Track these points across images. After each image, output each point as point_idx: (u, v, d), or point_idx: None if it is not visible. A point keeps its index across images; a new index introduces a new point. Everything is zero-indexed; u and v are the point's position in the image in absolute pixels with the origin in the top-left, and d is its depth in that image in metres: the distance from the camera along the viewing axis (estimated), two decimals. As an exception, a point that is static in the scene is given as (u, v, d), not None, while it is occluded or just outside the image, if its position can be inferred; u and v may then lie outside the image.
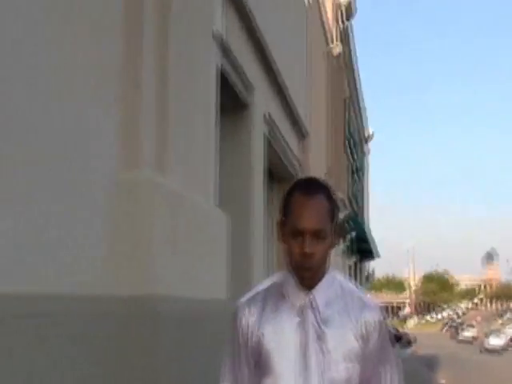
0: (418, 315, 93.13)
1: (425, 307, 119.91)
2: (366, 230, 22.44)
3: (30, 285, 1.98)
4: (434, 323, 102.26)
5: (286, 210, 2.06)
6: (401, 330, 48.48)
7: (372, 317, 2.12)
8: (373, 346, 2.11)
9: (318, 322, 2.08)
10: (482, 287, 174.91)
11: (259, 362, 2.05)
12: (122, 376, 2.41)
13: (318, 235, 2.02)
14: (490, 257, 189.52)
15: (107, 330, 2.38)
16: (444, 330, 74.79)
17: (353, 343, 2.08)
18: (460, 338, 53.12)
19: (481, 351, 40.59)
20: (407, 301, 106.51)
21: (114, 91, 2.60)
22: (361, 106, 26.66)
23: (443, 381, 19.02)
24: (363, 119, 28.54)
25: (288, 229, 2.04)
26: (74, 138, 2.30)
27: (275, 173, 11.35)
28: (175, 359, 2.65)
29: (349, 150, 21.79)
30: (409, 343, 43.68)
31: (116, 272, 2.46)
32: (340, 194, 15.06)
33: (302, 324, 2.07)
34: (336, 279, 2.17)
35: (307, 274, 2.05)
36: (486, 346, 41.98)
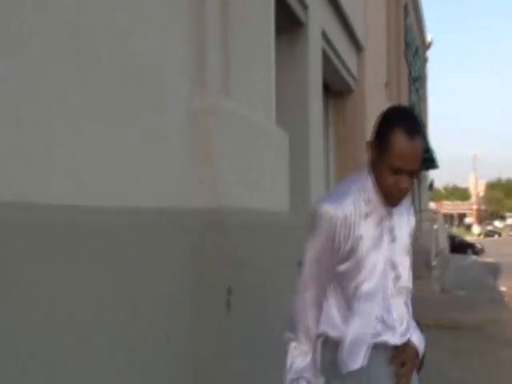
0: (480, 224, 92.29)
1: (488, 215, 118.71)
2: (426, 139, 22.18)
3: (117, 200, 2.29)
4: (500, 229, 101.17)
5: (385, 142, 2.17)
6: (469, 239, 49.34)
7: (414, 219, 2.46)
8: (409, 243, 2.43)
9: (390, 229, 2.30)
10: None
11: (348, 259, 2.25)
12: (198, 280, 2.76)
13: (412, 173, 2.20)
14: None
15: (185, 239, 2.71)
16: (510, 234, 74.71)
17: (408, 238, 2.40)
18: None
19: None
20: (470, 210, 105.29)
21: (184, 22, 2.83)
22: (420, 12, 25.77)
23: (504, 288, 19.21)
24: (423, 26, 27.63)
25: (386, 161, 2.18)
26: (156, 68, 2.57)
27: (331, 86, 11.38)
28: (247, 263, 2.98)
29: (409, 58, 21.32)
30: (481, 251, 44.21)
31: (191, 187, 2.77)
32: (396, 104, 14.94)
33: (382, 230, 2.29)
34: None
35: (396, 202, 2.26)
36: None
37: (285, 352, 2.31)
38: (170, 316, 2.57)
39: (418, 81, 24.89)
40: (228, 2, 3.09)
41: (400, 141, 2.15)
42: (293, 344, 2.31)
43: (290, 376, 2.27)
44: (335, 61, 10.33)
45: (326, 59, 9.42)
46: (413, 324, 2.38)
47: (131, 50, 2.39)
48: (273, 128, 3.72)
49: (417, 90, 24.54)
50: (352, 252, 2.23)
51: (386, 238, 2.29)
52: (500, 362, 7.98)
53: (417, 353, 2.32)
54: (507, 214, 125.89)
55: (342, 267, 2.25)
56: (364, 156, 9.04)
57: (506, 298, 16.03)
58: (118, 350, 2.19)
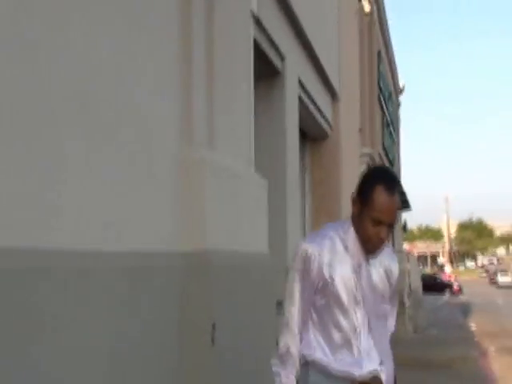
0: (452, 264, 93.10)
1: (460, 256, 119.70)
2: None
3: (108, 244, 2.50)
4: (471, 270, 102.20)
5: (367, 198, 2.43)
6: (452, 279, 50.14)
7: (394, 266, 2.62)
8: (391, 286, 2.61)
9: (368, 276, 2.50)
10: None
11: (323, 294, 2.46)
12: (184, 317, 2.97)
13: (391, 225, 2.45)
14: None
15: (172, 280, 2.93)
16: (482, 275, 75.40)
17: (385, 283, 2.55)
18: (500, 283, 55.54)
19: None
20: (442, 250, 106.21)
21: (172, 79, 3.09)
22: (392, 59, 26.49)
23: (474, 327, 19.50)
24: (395, 72, 28.36)
25: (368, 214, 2.42)
26: (146, 121, 2.82)
27: (307, 132, 11.72)
28: (230, 301, 3.20)
29: (382, 104, 21.85)
30: (459, 291, 44.83)
31: (176, 232, 2.99)
32: (368, 149, 15.23)
33: (359, 275, 2.48)
34: None
35: (374, 250, 2.49)
36: None
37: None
38: (158, 348, 2.78)
39: (391, 125, 25.43)
40: (212, 54, 3.37)
41: (380, 197, 2.40)
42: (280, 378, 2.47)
43: None
44: (311, 107, 10.69)
45: (302, 106, 9.76)
46: (386, 360, 2.54)
47: (123, 104, 2.63)
48: (253, 176, 3.99)
49: (390, 134, 25.06)
50: (325, 290, 2.45)
51: (364, 284, 2.49)
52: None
53: None
54: (478, 255, 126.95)
55: (319, 302, 2.48)
56: (339, 200, 9.50)
57: (475, 338, 16.32)
58: (112, 367, 2.39)
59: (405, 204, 25.34)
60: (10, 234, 1.90)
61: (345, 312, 2.47)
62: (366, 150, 15.05)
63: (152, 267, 2.78)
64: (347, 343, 2.48)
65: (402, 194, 22.31)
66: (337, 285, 2.45)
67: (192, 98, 3.14)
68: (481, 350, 13.52)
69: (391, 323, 2.74)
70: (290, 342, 2.49)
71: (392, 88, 26.63)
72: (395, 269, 2.63)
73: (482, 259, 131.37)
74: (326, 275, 2.44)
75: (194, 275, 2.98)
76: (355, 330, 2.48)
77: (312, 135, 12.03)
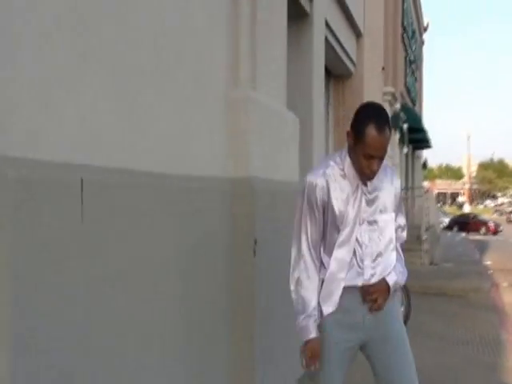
0: (471, 203, 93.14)
1: (480, 195, 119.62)
2: (419, 120, 22.76)
3: (174, 169, 2.99)
4: (490, 209, 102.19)
5: (360, 135, 2.56)
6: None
7: (396, 182, 2.82)
8: (395, 201, 2.81)
9: (366, 194, 2.70)
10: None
11: (328, 217, 2.69)
12: (231, 233, 3.50)
13: (382, 158, 2.60)
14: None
15: (222, 202, 3.46)
16: (496, 215, 75.63)
17: (386, 199, 2.76)
18: None
19: None
20: (463, 189, 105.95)
21: (222, 28, 3.53)
22: (418, -4, 26.18)
23: (489, 262, 20.03)
24: (420, 10, 28.06)
25: (360, 149, 2.58)
26: (200, 68, 3.28)
27: (332, 71, 12.01)
28: (267, 220, 3.73)
29: (406, 42, 21.83)
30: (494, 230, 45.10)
31: (225, 161, 3.49)
32: (390, 88, 15.41)
33: (356, 194, 2.69)
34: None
35: (367, 180, 2.68)
36: None
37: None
38: (212, 257, 3.32)
39: (414, 63, 25.36)
40: (255, 11, 3.79)
41: (371, 136, 2.54)
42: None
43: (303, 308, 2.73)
44: (336, 47, 10.97)
45: (328, 45, 10.06)
46: (393, 269, 2.77)
47: (183, 47, 3.08)
48: (287, 113, 4.45)
49: (413, 72, 25.02)
50: (330, 211, 2.69)
51: (363, 202, 2.71)
52: (476, 322, 8.81)
53: (387, 286, 2.71)
54: (498, 194, 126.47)
55: (327, 227, 2.73)
56: None
57: (490, 271, 16.87)
58: (174, 280, 2.94)
59: (425, 142, 25.58)
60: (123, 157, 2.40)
61: (347, 231, 2.69)
62: (388, 88, 15.27)
63: (206, 189, 3.29)
64: (351, 260, 2.70)
65: (423, 132, 22.58)
66: (339, 208, 2.68)
67: (239, 45, 3.59)
68: (493, 283, 14.06)
69: (401, 233, 2.93)
70: (306, 283, 2.75)
71: (416, 26, 26.44)
72: (397, 184, 2.83)
73: (501, 199, 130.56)
74: (331, 199, 2.68)
75: (240, 198, 3.50)
76: (360, 246, 2.70)
77: (336, 73, 12.34)
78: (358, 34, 12.70)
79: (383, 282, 2.73)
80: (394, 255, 2.81)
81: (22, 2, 1.97)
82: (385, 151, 2.61)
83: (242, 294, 3.50)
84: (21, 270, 1.90)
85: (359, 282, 2.71)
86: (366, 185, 2.71)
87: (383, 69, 14.60)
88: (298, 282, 2.77)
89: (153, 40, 2.76)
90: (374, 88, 13.75)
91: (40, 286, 1.98)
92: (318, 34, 9.21)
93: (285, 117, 4.37)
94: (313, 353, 2.71)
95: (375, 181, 2.72)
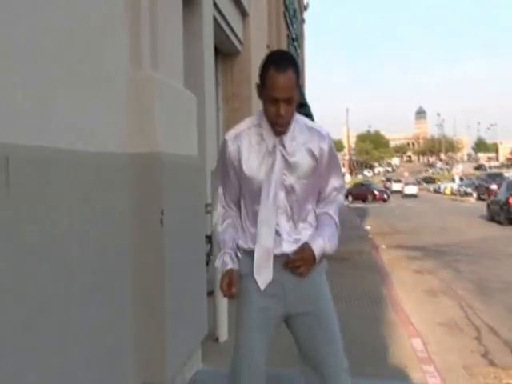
0: (351, 173, 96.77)
1: (359, 165, 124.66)
2: (303, 95, 23.42)
3: (81, 145, 3.11)
4: (370, 177, 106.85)
5: (263, 80, 2.50)
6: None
7: (323, 144, 2.64)
8: (324, 164, 2.65)
9: (284, 155, 2.59)
10: (411, 144, 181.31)
11: (240, 181, 2.64)
12: (140, 204, 3.67)
13: (288, 101, 2.48)
14: (418, 115, 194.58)
15: (132, 175, 3.61)
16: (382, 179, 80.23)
17: (309, 163, 2.61)
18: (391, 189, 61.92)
19: (402, 197, 57.11)
20: (343, 160, 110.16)
21: (126, 14, 3.65)
22: (298, -24, 26.75)
23: (368, 227, 21.22)
24: (300, -11, 28.69)
25: (266, 95, 2.50)
26: (104, 53, 3.39)
27: (220, 49, 12.21)
28: (172, 191, 3.93)
29: (288, 20, 22.34)
30: (381, 198, 47.70)
31: (133, 137, 3.64)
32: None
33: (273, 156, 2.59)
34: (300, 120, 2.66)
35: (280, 129, 2.56)
36: (405, 193, 59.58)
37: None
38: (119, 228, 3.48)
39: (296, 41, 26.00)
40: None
41: (271, 76, 2.46)
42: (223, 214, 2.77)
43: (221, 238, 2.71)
44: (224, 26, 11.18)
45: (216, 25, 10.25)
46: (326, 232, 2.66)
47: (91, 34, 3.19)
48: (186, 91, 4.63)
49: (295, 50, 25.67)
50: (243, 174, 2.63)
51: (279, 163, 2.59)
52: (360, 281, 9.48)
53: (313, 254, 2.59)
54: (375, 164, 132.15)
55: (243, 188, 2.68)
56: (250, 112, 10.53)
57: (369, 235, 17.92)
58: (74, 242, 3.09)
59: (309, 117, 26.33)
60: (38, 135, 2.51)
61: (263, 198, 2.60)
62: (274, 65, 15.68)
63: (114, 164, 3.44)
64: (268, 227, 2.60)
65: (306, 107, 23.28)
66: (250, 168, 2.62)
67: (140, 30, 3.74)
68: (374, 245, 15.00)
69: (336, 196, 2.77)
70: (222, 232, 2.74)
71: (297, 5, 27.04)
72: (324, 146, 2.64)
73: (378, 168, 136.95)
74: (245, 161, 2.62)
75: (148, 171, 3.67)
76: (275, 213, 2.60)
77: (224, 52, 12.55)
78: (243, 14, 12.95)
79: (308, 249, 2.61)
80: (323, 224, 2.71)
81: None
82: (289, 92, 2.48)
83: (152, 260, 3.69)
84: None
85: (277, 251, 2.62)
86: (284, 146, 2.60)
87: (268, 46, 14.97)
88: (216, 230, 2.81)
89: (64, 27, 2.86)
90: (260, 65, 14.06)
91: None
92: (207, 15, 9.38)
93: (183, 95, 4.56)
94: (230, 280, 2.61)
95: (295, 142, 2.62)
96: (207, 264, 5.78)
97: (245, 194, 2.70)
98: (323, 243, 2.63)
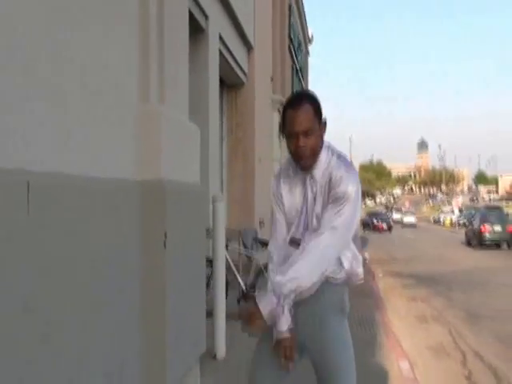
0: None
1: (361, 194, 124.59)
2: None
3: (90, 171, 3.37)
4: (372, 207, 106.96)
5: (283, 121, 2.59)
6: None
7: (339, 175, 2.54)
8: (330, 197, 2.56)
9: (313, 191, 2.63)
10: (412, 175, 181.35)
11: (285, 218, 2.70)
12: (144, 228, 3.92)
13: (305, 133, 2.51)
14: (420, 147, 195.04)
15: (137, 201, 3.87)
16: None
17: (326, 190, 2.58)
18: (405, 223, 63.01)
19: (402, 227, 57.72)
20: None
21: (133, 53, 3.94)
22: (302, 11, 27.31)
23: (366, 254, 21.39)
24: (305, 23, 29.24)
25: (286, 134, 2.59)
26: (116, 88, 3.68)
27: (226, 81, 12.57)
28: (175, 216, 4.18)
29: (292, 52, 22.80)
30: (382, 228, 47.47)
31: (139, 166, 3.91)
32: (279, 96, 16.14)
33: (304, 188, 2.66)
34: (330, 150, 2.64)
35: (303, 162, 2.59)
36: (404, 222, 62.01)
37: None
38: (124, 248, 3.72)
39: (300, 72, 26.45)
40: (163, 24, 4.21)
41: (287, 113, 2.57)
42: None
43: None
44: (229, 59, 11.55)
45: (221, 58, 10.63)
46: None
47: (105, 72, 3.48)
48: (189, 123, 4.92)
49: (299, 81, 26.10)
50: (283, 210, 2.72)
51: (310, 196, 2.64)
52: (356, 306, 9.64)
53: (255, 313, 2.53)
54: (377, 193, 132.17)
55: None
56: (253, 142, 10.86)
57: (368, 263, 18.07)
58: (90, 266, 3.33)
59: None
60: (56, 162, 2.77)
61: (294, 228, 2.68)
62: (277, 96, 16.03)
63: (122, 190, 3.70)
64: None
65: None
66: (287, 205, 2.71)
67: (149, 66, 4.03)
68: (371, 272, 15.16)
69: (324, 223, 2.56)
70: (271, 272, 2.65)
71: (302, 38, 27.56)
72: (337, 174, 2.56)
73: (380, 198, 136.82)
74: (282, 201, 2.72)
75: (152, 197, 3.93)
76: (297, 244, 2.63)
77: (229, 83, 12.92)
78: (248, 47, 13.33)
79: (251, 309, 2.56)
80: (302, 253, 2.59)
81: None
82: (305, 124, 2.52)
83: (154, 278, 3.93)
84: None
85: None
86: (313, 178, 2.62)
87: (272, 79, 15.33)
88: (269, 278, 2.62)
89: (81, 66, 3.15)
90: (264, 96, 14.44)
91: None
92: (213, 48, 9.73)
93: (188, 127, 4.84)
94: (291, 350, 2.62)
95: (319, 177, 2.61)
96: (207, 286, 6.01)
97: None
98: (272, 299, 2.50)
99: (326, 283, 2.63)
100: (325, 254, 2.53)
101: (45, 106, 2.76)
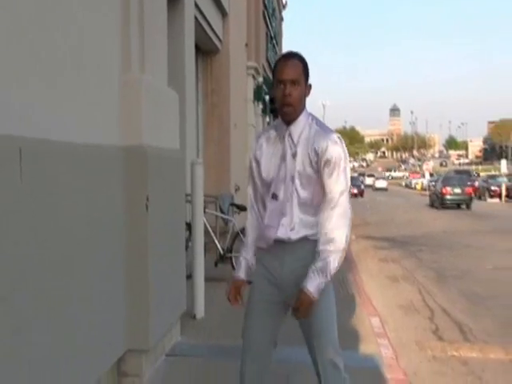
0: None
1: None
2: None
3: (78, 138, 3.48)
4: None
5: (274, 73, 2.75)
6: None
7: (326, 145, 2.70)
8: (322, 166, 2.70)
9: (291, 146, 2.76)
10: (385, 140, 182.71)
11: (261, 173, 2.84)
12: (127, 191, 4.05)
13: (293, 83, 2.68)
14: (392, 112, 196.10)
15: (120, 164, 3.99)
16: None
17: (311, 159, 2.72)
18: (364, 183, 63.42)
19: (373, 190, 59.83)
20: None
21: (117, 27, 4.02)
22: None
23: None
24: (279, -12, 29.00)
25: (275, 83, 2.73)
26: (99, 54, 3.76)
27: (201, 47, 12.56)
28: (156, 180, 4.32)
29: (267, 19, 22.67)
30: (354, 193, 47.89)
31: (122, 132, 4.02)
32: (253, 63, 16.15)
33: (283, 145, 2.78)
34: (310, 116, 2.80)
35: (287, 109, 2.72)
36: (376, 186, 62.72)
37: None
38: (108, 211, 3.85)
39: (274, 39, 26.32)
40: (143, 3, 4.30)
41: (279, 63, 2.75)
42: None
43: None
44: (205, 26, 11.54)
45: (197, 24, 10.62)
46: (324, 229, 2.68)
47: (89, 43, 3.56)
48: (168, 89, 5.02)
49: (273, 47, 25.99)
50: (261, 166, 2.86)
51: (289, 153, 2.77)
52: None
53: (309, 298, 2.65)
54: (350, 159, 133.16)
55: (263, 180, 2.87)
56: (228, 107, 10.98)
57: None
58: (79, 228, 3.47)
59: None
60: (46, 129, 2.87)
61: (273, 188, 2.81)
62: (251, 63, 16.03)
63: (106, 155, 3.82)
64: (272, 213, 2.80)
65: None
66: (265, 161, 2.84)
67: (129, 36, 4.12)
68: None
69: (331, 194, 2.72)
70: (247, 233, 2.98)
71: (276, 4, 27.37)
72: (321, 144, 2.70)
73: (353, 163, 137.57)
74: (261, 156, 2.87)
75: (134, 162, 4.06)
76: (280, 202, 2.78)
77: (205, 49, 12.92)
78: (223, 14, 13.30)
79: (304, 296, 2.67)
80: (309, 218, 2.77)
81: None
82: (294, 74, 2.69)
83: (138, 240, 4.09)
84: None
85: (271, 234, 2.79)
86: (291, 136, 2.76)
87: (246, 45, 15.32)
88: (245, 228, 3.00)
89: (68, 39, 3.23)
90: (238, 63, 14.46)
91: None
92: (189, 15, 9.73)
93: (167, 94, 4.95)
94: (231, 291, 2.95)
95: (302, 136, 2.75)
96: (186, 249, 6.18)
97: (264, 187, 2.88)
98: (319, 279, 2.66)
99: (307, 241, 2.75)
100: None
101: (36, 77, 2.87)
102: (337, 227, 2.67)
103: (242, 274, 2.97)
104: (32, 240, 2.76)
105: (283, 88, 2.68)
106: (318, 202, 2.74)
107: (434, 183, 38.05)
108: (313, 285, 2.64)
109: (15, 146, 2.61)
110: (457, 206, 30.58)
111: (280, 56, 2.84)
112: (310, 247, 2.72)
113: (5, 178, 2.52)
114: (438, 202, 31.02)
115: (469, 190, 31.14)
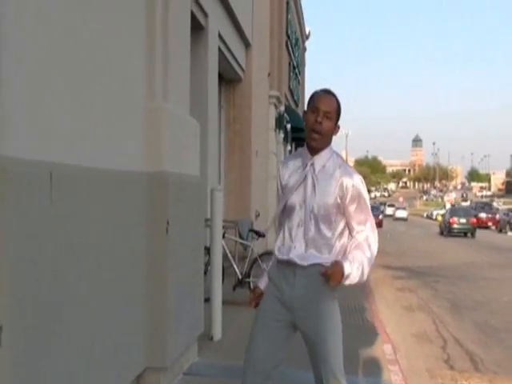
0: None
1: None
2: (302, 120, 23.97)
3: (106, 163, 3.68)
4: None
5: (309, 102, 2.89)
6: None
7: (350, 182, 2.87)
8: (348, 201, 2.87)
9: (313, 176, 2.88)
10: (407, 171, 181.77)
11: (284, 199, 2.96)
12: (148, 216, 4.23)
13: (327, 115, 2.82)
14: (414, 143, 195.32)
15: (143, 190, 4.18)
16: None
17: (333, 193, 2.86)
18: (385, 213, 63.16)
19: (393, 220, 60.30)
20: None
21: (141, 49, 4.24)
22: (300, 8, 27.47)
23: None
24: (302, 20, 29.43)
25: (309, 111, 2.87)
26: (123, 85, 3.98)
27: (224, 76, 12.85)
28: (177, 206, 4.50)
29: (290, 49, 23.01)
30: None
31: (144, 159, 4.22)
32: (275, 92, 16.38)
33: (305, 174, 2.91)
34: (334, 153, 2.95)
35: (315, 135, 2.84)
36: (396, 216, 63.40)
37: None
38: (131, 233, 4.03)
39: (297, 68, 26.64)
40: (167, 30, 4.52)
41: (317, 94, 2.90)
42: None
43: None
44: (228, 56, 11.84)
45: (220, 54, 10.91)
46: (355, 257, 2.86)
47: (109, 67, 3.77)
48: (190, 118, 5.23)
49: (296, 77, 26.29)
50: (285, 191, 2.99)
51: (310, 183, 2.89)
52: (345, 295, 9.99)
53: (341, 271, 2.78)
54: (372, 189, 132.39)
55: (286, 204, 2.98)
56: (249, 135, 11.28)
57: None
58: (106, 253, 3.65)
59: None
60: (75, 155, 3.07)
61: (292, 212, 2.93)
62: (273, 92, 16.27)
63: (130, 181, 4.01)
64: (290, 236, 2.92)
65: (303, 131, 23.87)
66: (288, 189, 2.96)
67: (154, 66, 4.34)
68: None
69: (361, 234, 2.93)
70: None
71: (299, 35, 27.75)
72: (347, 182, 2.86)
73: (374, 193, 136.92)
74: (285, 184, 2.99)
75: (156, 188, 4.25)
76: (297, 225, 2.90)
77: (228, 78, 13.21)
78: (246, 44, 13.62)
79: (338, 265, 2.80)
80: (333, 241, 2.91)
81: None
82: (330, 107, 2.84)
83: (158, 262, 4.25)
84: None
85: (283, 256, 2.94)
86: (313, 167, 2.89)
87: (269, 74, 15.58)
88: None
89: (95, 69, 3.45)
90: (261, 92, 14.72)
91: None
92: (212, 45, 10.01)
93: (189, 122, 5.15)
94: (252, 297, 3.11)
95: (324, 170, 2.89)
96: (205, 273, 6.32)
97: (285, 211, 3.01)
98: (355, 271, 2.84)
99: (319, 266, 2.87)
100: (375, 231, 3.03)
101: (67, 104, 3.07)
102: (370, 237, 2.95)
103: (261, 284, 3.12)
104: (59, 263, 2.93)
105: (316, 116, 2.82)
106: (332, 233, 2.88)
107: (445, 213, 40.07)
108: (348, 267, 2.80)
109: (47, 170, 2.80)
110: (463, 234, 34.08)
111: (319, 90, 2.96)
112: (320, 271, 2.81)
113: (36, 200, 2.70)
114: (446, 230, 34.72)
115: (473, 220, 35.21)
